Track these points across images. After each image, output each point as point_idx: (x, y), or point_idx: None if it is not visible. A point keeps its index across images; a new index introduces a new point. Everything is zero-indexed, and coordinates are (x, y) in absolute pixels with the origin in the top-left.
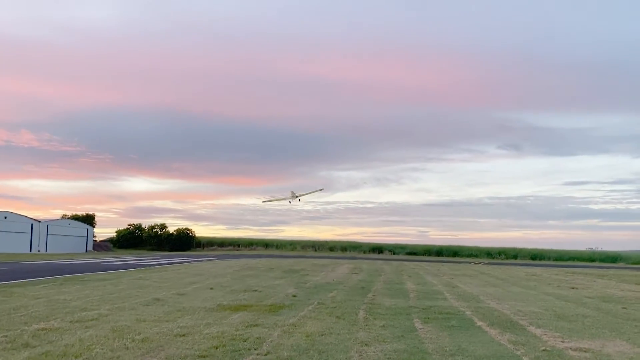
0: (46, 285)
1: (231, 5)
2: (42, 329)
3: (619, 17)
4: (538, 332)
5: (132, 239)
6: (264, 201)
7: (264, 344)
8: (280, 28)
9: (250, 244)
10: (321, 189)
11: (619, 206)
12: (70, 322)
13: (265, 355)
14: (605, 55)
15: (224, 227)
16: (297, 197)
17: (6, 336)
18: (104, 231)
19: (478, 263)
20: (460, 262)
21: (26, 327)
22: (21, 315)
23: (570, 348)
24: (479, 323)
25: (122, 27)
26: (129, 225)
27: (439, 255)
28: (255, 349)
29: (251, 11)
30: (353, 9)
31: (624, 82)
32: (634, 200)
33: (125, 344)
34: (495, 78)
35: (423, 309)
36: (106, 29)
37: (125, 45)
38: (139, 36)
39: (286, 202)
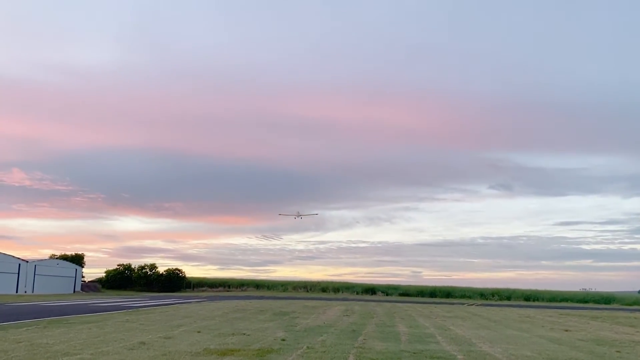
0: (29, 328)
1: (224, 51)
2: None
3: (607, 60)
4: None
5: (122, 280)
6: (280, 214)
7: None
8: (274, 72)
9: (241, 284)
10: (316, 214)
11: (612, 246)
12: None
13: None
14: (593, 97)
15: (215, 267)
16: (300, 216)
17: None
18: (93, 271)
19: (471, 304)
20: (453, 304)
21: None
22: None
23: None
24: None
25: (117, 70)
26: (118, 265)
27: (432, 296)
28: None
29: (242, 57)
30: (346, 53)
31: (612, 123)
32: (626, 240)
33: None
34: (485, 120)
35: (414, 353)
36: (102, 72)
37: (119, 87)
38: (133, 79)
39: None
